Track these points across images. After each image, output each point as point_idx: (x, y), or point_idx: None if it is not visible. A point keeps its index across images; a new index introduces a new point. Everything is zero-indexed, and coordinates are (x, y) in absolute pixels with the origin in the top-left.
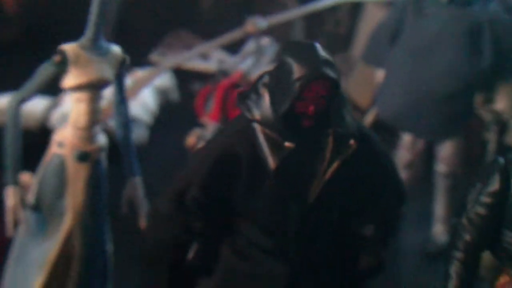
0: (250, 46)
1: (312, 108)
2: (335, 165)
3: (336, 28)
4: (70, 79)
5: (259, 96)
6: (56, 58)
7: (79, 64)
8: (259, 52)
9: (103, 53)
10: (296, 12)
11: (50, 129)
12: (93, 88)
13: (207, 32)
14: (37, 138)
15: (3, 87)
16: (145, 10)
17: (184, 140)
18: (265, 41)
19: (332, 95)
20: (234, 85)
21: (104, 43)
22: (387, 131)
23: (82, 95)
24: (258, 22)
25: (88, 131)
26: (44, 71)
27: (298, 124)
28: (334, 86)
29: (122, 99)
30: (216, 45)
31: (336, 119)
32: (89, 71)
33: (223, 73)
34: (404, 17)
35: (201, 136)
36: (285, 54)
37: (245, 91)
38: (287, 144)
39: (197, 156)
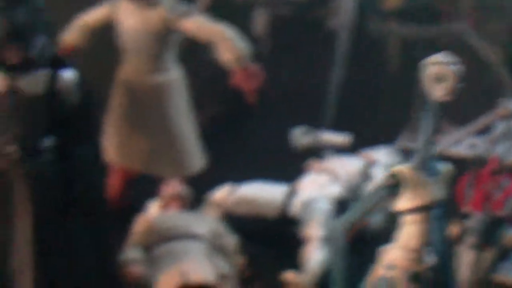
0: (499, 128)
1: None
2: None
3: None
4: (404, 202)
5: None
6: (389, 180)
7: (413, 186)
8: (509, 134)
9: (435, 173)
10: None
11: (290, 217)
12: (427, 210)
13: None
14: (277, 226)
15: None
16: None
17: None
18: None
19: None
20: (493, 172)
21: (434, 163)
22: None
23: (415, 217)
24: (510, 105)
25: (419, 252)
26: (375, 195)
27: None
28: None
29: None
30: (472, 131)
31: None
32: (423, 194)
33: (480, 159)
34: None
35: (465, 227)
36: None
37: None
38: None
39: None
